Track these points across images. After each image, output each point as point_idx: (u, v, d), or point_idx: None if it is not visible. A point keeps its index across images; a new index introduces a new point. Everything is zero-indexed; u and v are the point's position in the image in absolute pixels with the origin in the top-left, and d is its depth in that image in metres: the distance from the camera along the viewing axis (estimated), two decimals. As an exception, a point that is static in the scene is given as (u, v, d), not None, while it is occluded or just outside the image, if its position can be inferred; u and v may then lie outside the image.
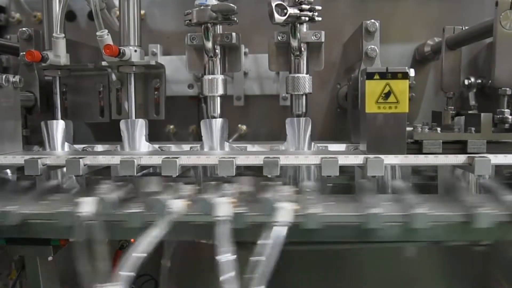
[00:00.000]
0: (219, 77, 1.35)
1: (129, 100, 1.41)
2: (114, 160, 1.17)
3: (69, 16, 1.82)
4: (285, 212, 0.98)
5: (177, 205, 1.04)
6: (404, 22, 1.76)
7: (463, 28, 1.44)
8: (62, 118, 1.47)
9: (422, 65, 1.75)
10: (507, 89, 1.23)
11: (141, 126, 1.39)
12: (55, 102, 1.47)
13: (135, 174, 1.15)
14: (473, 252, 1.81)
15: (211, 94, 1.35)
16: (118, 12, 1.51)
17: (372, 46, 1.37)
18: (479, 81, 1.58)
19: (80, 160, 1.15)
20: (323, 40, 1.30)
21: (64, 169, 1.18)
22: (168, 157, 1.15)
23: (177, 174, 1.15)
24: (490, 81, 1.54)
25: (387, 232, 1.01)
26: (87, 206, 1.03)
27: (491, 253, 1.86)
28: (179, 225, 1.03)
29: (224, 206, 1.00)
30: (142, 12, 1.77)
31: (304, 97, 1.35)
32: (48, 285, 1.35)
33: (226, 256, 0.94)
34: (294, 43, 1.28)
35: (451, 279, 1.91)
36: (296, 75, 1.33)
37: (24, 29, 1.48)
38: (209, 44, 1.30)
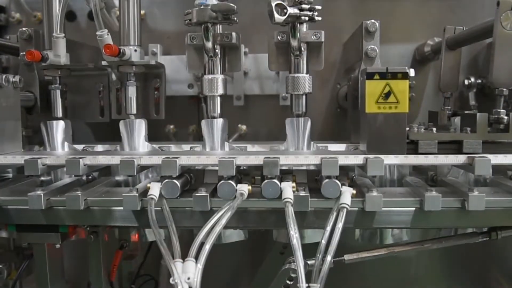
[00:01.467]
0: (219, 77, 1.34)
1: (128, 99, 1.41)
2: (114, 160, 1.17)
3: (69, 16, 1.82)
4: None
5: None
6: (404, 22, 1.76)
7: (464, 28, 1.44)
8: (62, 118, 1.47)
9: (422, 65, 1.75)
10: (504, 89, 1.22)
11: (139, 125, 1.38)
12: (55, 102, 1.46)
13: (135, 173, 1.15)
14: (473, 252, 1.81)
15: (211, 93, 1.35)
16: (118, 12, 1.51)
17: (372, 46, 1.36)
18: (479, 81, 1.58)
19: (80, 160, 1.15)
20: (323, 40, 1.30)
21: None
22: (168, 157, 1.15)
23: (177, 174, 1.15)
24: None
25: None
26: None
27: (491, 253, 1.86)
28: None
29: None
30: (142, 12, 1.77)
31: (304, 96, 1.35)
32: (54, 273, 1.37)
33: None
34: (294, 43, 1.28)
35: (451, 279, 1.91)
36: (296, 75, 1.33)
37: (24, 29, 1.48)
38: (209, 44, 1.30)
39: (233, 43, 1.34)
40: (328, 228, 1.02)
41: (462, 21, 1.48)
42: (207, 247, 0.97)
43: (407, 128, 1.18)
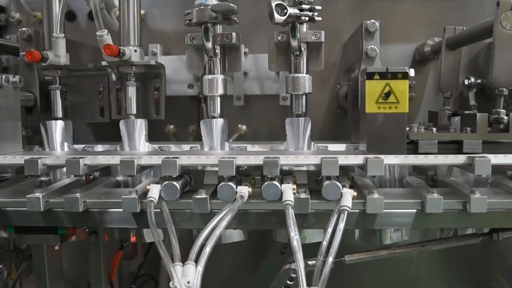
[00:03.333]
0: (219, 77, 1.34)
1: (128, 99, 1.41)
2: (114, 160, 1.17)
3: (69, 16, 1.82)
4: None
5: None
6: (404, 22, 1.76)
7: (464, 29, 1.44)
8: (62, 118, 1.47)
9: (422, 65, 1.75)
10: (504, 89, 1.22)
11: (140, 126, 1.39)
12: (55, 102, 1.46)
13: (135, 174, 1.14)
14: (473, 252, 1.81)
15: (211, 94, 1.35)
16: (118, 12, 1.51)
17: (372, 46, 1.36)
18: (479, 81, 1.58)
19: (80, 160, 1.15)
20: (323, 40, 1.30)
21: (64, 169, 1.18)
22: (168, 157, 1.14)
23: (177, 174, 1.15)
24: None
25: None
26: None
27: (491, 253, 1.86)
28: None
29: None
30: (142, 12, 1.77)
31: (304, 97, 1.35)
32: (53, 274, 1.36)
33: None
34: (294, 43, 1.28)
35: (451, 279, 1.91)
36: (296, 75, 1.33)
37: (24, 29, 1.48)
38: (209, 44, 1.30)
39: (233, 43, 1.33)
40: (329, 230, 1.01)
41: (462, 21, 1.48)
42: (207, 249, 0.96)
43: (407, 128, 1.18)
